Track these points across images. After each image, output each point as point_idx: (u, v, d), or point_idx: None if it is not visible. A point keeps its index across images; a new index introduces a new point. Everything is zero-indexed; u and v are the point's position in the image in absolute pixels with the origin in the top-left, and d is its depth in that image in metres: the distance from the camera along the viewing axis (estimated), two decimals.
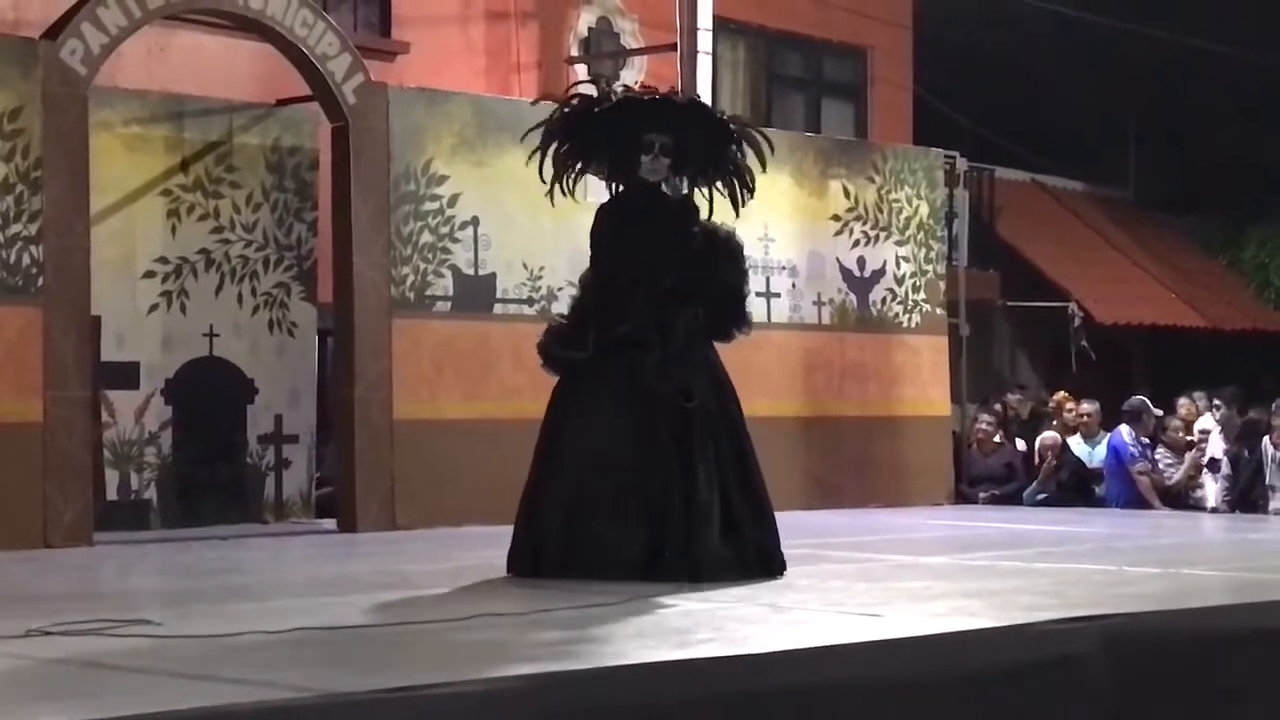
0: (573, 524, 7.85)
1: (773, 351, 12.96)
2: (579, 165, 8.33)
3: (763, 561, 7.92)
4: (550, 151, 8.28)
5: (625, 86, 8.57)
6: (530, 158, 8.38)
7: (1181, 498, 14.17)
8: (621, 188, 8.29)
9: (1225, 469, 13.78)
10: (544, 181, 8.30)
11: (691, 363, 7.98)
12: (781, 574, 7.89)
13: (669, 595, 7.03)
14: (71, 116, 10.31)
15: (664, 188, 8.20)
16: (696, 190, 8.27)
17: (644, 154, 8.07)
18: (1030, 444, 15.09)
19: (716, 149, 8.29)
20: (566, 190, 8.32)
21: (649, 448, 7.80)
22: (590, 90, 8.51)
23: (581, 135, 8.25)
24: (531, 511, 8.06)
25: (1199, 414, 14.98)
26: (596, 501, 7.83)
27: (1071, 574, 8.30)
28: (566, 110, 8.31)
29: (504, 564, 8.07)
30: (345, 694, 4.64)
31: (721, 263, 8.09)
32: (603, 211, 8.29)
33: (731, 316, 8.17)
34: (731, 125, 8.47)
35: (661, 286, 7.96)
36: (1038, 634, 6.10)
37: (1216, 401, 14.45)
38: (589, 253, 8.30)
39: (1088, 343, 18.39)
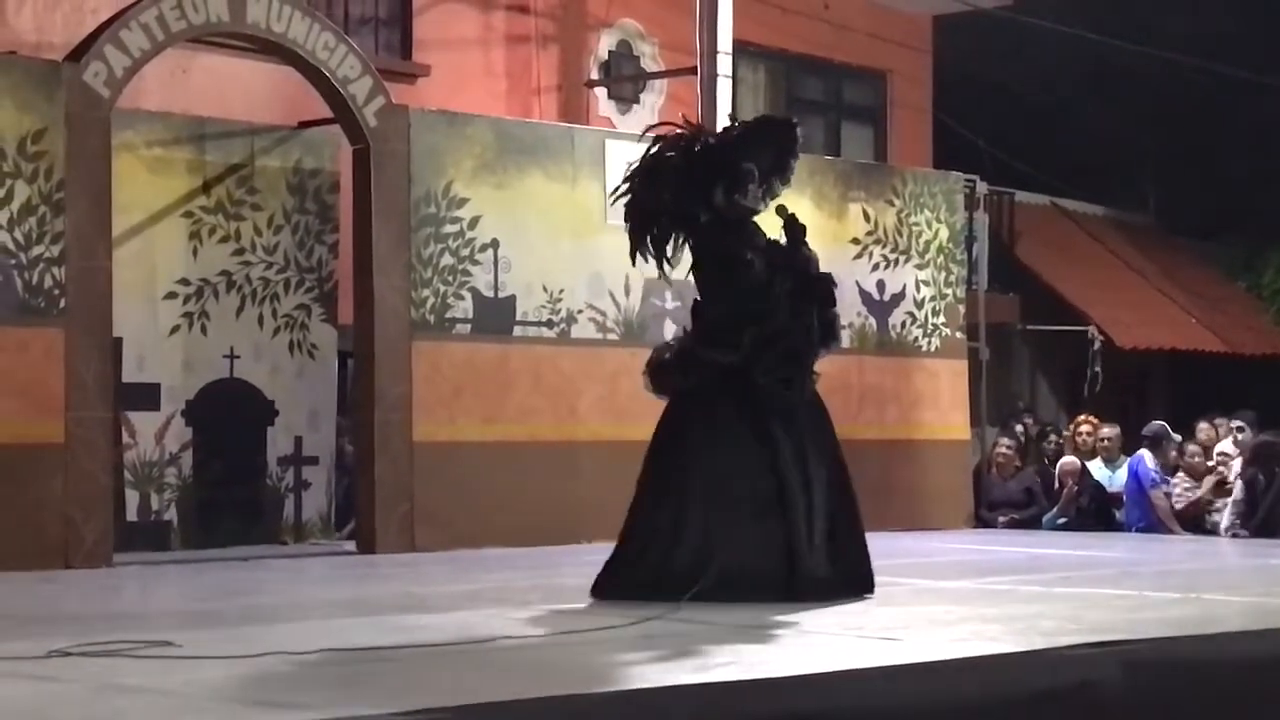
0: (703, 548, 7.80)
1: None
2: (676, 217, 8.33)
3: (863, 582, 8.11)
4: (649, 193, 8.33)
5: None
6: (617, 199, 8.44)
7: (1201, 522, 14.13)
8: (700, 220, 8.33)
9: (1239, 492, 13.72)
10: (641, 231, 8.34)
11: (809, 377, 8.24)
12: (872, 593, 8.09)
13: (689, 617, 7.03)
14: (94, 138, 10.36)
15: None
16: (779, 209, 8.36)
17: (750, 182, 8.19)
18: (1041, 468, 15.08)
19: (777, 159, 8.37)
20: (659, 252, 8.32)
21: (774, 472, 7.92)
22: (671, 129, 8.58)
23: (680, 175, 8.29)
24: (636, 535, 8.04)
25: (1218, 438, 14.94)
26: (727, 526, 7.85)
27: (1091, 599, 8.29)
28: (678, 147, 8.36)
29: (522, 585, 8.04)
30: (366, 716, 4.65)
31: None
32: (715, 228, 8.24)
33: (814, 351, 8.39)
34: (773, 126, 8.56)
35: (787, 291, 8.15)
36: (1058, 659, 6.10)
37: (1237, 423, 14.42)
38: (698, 270, 8.31)
39: (1101, 369, 18.37)
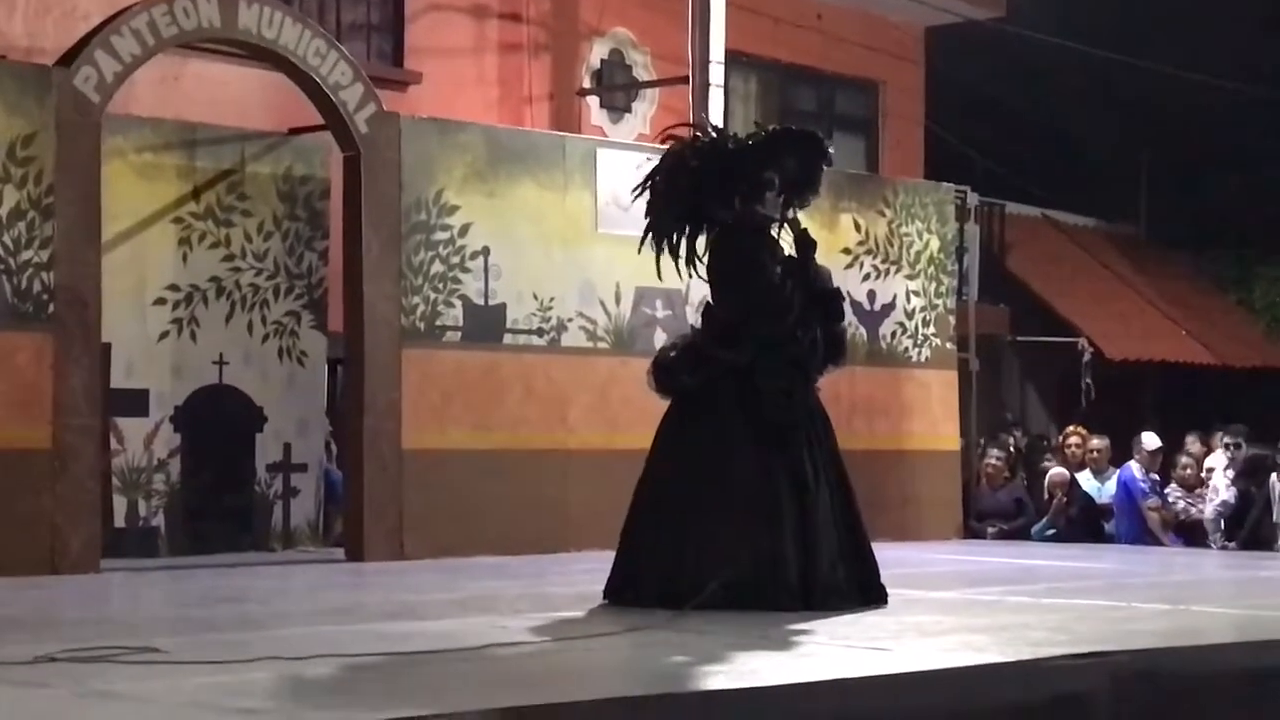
0: (705, 557, 7.77)
1: None
2: (690, 217, 8.32)
3: (877, 591, 8.11)
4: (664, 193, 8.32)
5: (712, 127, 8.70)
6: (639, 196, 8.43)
7: (1190, 534, 14.12)
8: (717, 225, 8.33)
9: (1222, 496, 13.72)
10: (659, 236, 8.32)
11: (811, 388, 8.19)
12: (885, 603, 8.04)
13: (681, 626, 7.02)
14: (84, 144, 10.33)
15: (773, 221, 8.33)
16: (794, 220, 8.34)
17: (768, 191, 8.19)
18: (1030, 480, 15.09)
19: (803, 172, 8.35)
20: (673, 248, 8.30)
21: (778, 479, 7.88)
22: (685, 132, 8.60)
23: (696, 178, 8.28)
24: (636, 540, 8.05)
25: (1208, 451, 14.94)
26: (729, 534, 7.81)
27: (1080, 610, 8.28)
28: (693, 150, 8.37)
29: (511, 594, 8.03)
30: None
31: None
32: (736, 231, 8.21)
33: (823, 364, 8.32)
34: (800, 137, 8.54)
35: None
36: (1046, 670, 6.10)
37: (1227, 440, 14.41)
38: (716, 274, 8.27)
39: (1092, 380, 18.42)
